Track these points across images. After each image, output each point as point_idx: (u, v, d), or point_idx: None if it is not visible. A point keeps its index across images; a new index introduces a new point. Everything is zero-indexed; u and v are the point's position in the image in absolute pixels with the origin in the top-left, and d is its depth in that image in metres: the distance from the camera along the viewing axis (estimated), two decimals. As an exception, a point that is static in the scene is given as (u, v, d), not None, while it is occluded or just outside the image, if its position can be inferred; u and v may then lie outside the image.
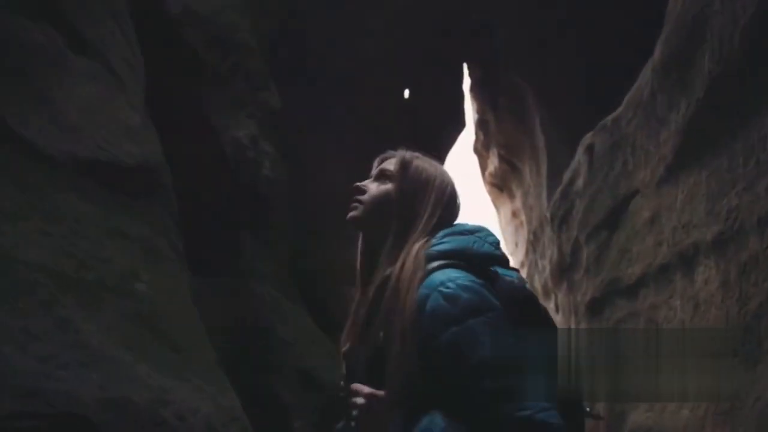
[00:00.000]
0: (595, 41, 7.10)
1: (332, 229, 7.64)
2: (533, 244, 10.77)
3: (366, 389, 1.11)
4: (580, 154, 5.25)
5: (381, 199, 1.27)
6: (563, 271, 6.68)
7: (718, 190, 2.62)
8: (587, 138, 5.08)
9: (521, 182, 12.02)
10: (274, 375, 4.04)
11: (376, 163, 1.37)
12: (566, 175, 5.84)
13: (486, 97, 11.03)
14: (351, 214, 1.28)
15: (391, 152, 1.37)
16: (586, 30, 7.17)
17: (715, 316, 2.57)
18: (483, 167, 14.46)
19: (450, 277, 1.11)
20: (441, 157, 11.13)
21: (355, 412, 1.12)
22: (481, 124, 13.12)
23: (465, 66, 11.33)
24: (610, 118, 4.60)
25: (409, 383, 1.07)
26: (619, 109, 4.38)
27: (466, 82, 13.21)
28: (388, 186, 1.28)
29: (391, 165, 1.32)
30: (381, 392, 1.10)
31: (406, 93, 9.95)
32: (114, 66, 3.77)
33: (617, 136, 4.39)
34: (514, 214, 13.51)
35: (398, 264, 1.18)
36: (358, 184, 1.31)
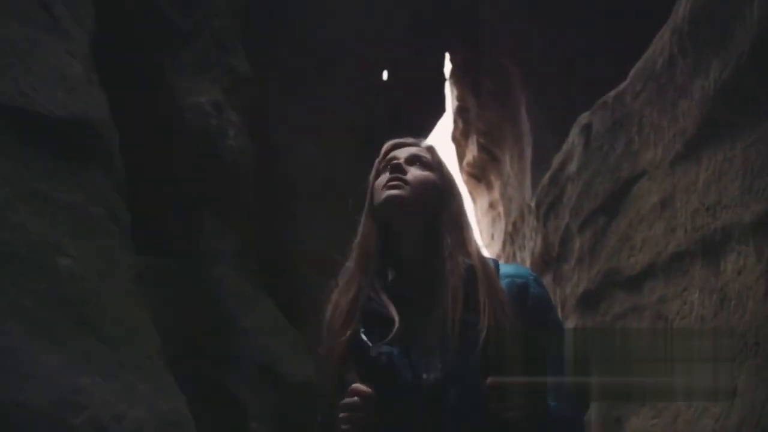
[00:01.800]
0: (587, 20, 6.72)
1: (303, 211, 7.15)
2: (512, 235, 10.43)
3: (366, 389, 1.12)
4: (574, 135, 4.86)
5: (427, 185, 1.28)
6: (547, 263, 6.30)
7: (760, 164, 2.22)
8: (583, 117, 4.68)
9: (500, 172, 11.67)
10: (230, 369, 3.56)
11: (388, 148, 1.38)
12: (556, 159, 5.45)
13: (467, 83, 10.61)
14: (395, 192, 1.26)
15: (405, 140, 1.40)
16: (577, 8, 6.78)
17: (752, 312, 2.17)
18: (461, 157, 14.08)
19: (526, 270, 1.31)
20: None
21: (345, 414, 1.12)
22: (460, 112, 12.72)
23: (447, 53, 10.91)
24: (611, 94, 4.20)
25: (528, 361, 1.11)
26: (624, 84, 3.98)
27: (447, 69, 12.79)
28: (430, 174, 1.31)
29: (425, 153, 1.35)
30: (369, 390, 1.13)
31: (385, 74, 9.47)
32: (55, 11, 3.23)
33: (620, 114, 3.99)
34: (492, 206, 13.18)
35: (477, 257, 1.26)
36: (398, 162, 1.29)
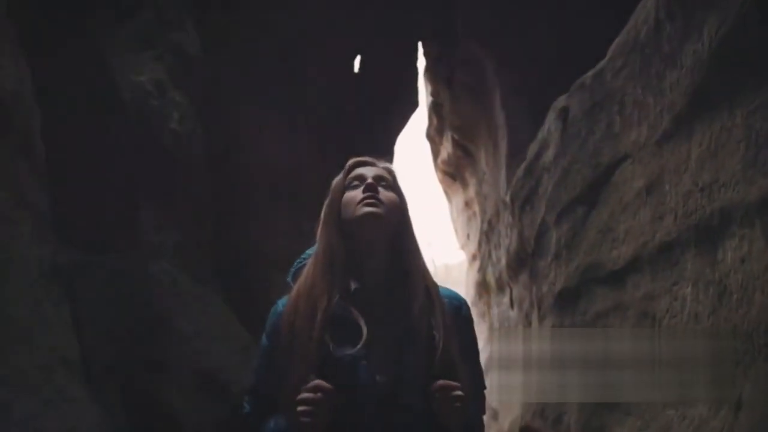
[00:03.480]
0: (561, 5, 6.41)
1: (265, 205, 6.72)
2: (487, 234, 10.12)
3: (328, 386, 1.21)
4: (550, 122, 4.52)
5: (395, 206, 1.40)
6: (523, 260, 5.97)
7: (767, 132, 1.88)
8: (560, 101, 4.35)
9: (475, 170, 11.36)
10: (163, 376, 3.13)
11: (352, 165, 1.45)
12: (532, 149, 5.12)
13: (441, 75, 10.27)
14: (375, 210, 1.34)
15: (369, 158, 1.47)
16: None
17: (761, 306, 1.83)
18: (435, 154, 13.75)
19: (459, 294, 1.46)
20: (392, 138, 10.32)
21: (304, 408, 1.19)
22: (434, 107, 12.39)
23: (420, 45, 10.56)
24: (589, 74, 3.87)
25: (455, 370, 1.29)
26: (603, 62, 3.65)
27: (421, 63, 12.46)
28: (394, 195, 1.41)
29: (387, 174, 1.44)
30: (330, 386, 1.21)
31: (356, 66, 9.07)
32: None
33: (600, 95, 3.66)
34: (467, 204, 12.86)
35: (429, 276, 1.40)
36: (371, 182, 1.38)
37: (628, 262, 3.06)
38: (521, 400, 5.82)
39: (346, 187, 1.41)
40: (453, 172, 13.12)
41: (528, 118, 6.71)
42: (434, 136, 13.40)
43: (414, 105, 10.25)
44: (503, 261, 7.79)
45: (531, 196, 5.14)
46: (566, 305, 3.97)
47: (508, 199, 6.35)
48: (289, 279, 1.45)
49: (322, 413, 1.19)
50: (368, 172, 1.42)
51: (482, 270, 10.68)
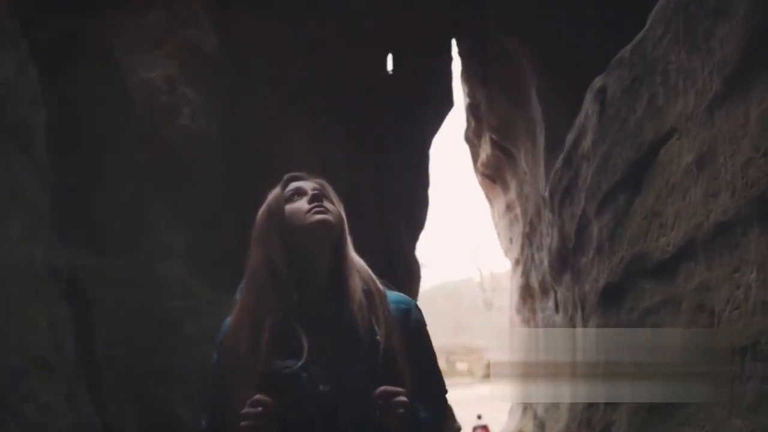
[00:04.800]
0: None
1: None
2: (529, 237, 9.70)
3: (268, 399, 1.22)
4: (587, 105, 4.16)
5: (338, 215, 1.41)
6: (565, 258, 5.58)
7: None
8: (597, 81, 3.99)
9: (516, 171, 10.95)
10: (171, 383, 2.92)
11: (288, 179, 1.47)
12: (569, 138, 4.75)
13: (476, 74, 9.96)
14: (326, 217, 1.37)
15: (302, 174, 1.49)
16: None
17: None
18: (474, 157, 13.40)
19: (409, 298, 1.47)
20: (427, 139, 10.03)
21: (246, 423, 1.20)
22: (471, 109, 12.07)
23: (454, 43, 10.28)
24: (627, 47, 3.51)
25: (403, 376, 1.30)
26: (642, 32, 3.29)
27: (457, 65, 12.17)
28: (334, 206, 1.43)
29: (323, 187, 1.45)
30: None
31: (389, 64, 8.83)
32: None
33: (640, 68, 3.30)
34: (509, 207, 12.44)
35: (371, 281, 1.41)
36: (317, 192, 1.42)
37: (678, 249, 2.68)
38: (568, 408, 5.43)
39: (286, 200, 1.42)
40: (493, 175, 12.73)
41: (566, 112, 6.32)
42: (472, 138, 13.05)
43: (449, 105, 9.96)
44: (546, 263, 7.38)
45: (570, 188, 4.76)
46: (611, 303, 3.59)
47: (546, 194, 5.98)
48: (237, 296, 1.43)
49: (265, 427, 1.21)
50: (305, 185, 1.44)
51: (525, 274, 10.23)
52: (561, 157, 5.02)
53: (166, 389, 2.94)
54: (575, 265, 4.89)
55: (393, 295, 1.43)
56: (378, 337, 1.31)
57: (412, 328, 1.40)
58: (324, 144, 7.15)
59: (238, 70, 5.27)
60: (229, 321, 1.38)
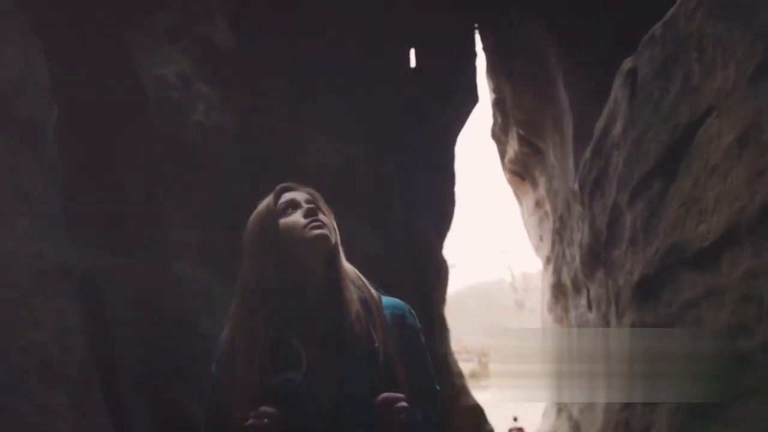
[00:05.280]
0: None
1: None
2: (560, 233, 9.45)
3: (273, 410, 1.24)
4: (616, 90, 3.96)
5: (332, 227, 1.41)
6: (597, 253, 5.36)
7: None
8: (626, 63, 3.78)
9: (544, 167, 10.70)
10: (185, 383, 2.83)
11: (280, 190, 1.45)
12: (598, 126, 4.54)
13: (501, 68, 9.75)
14: (324, 232, 1.37)
15: (293, 185, 1.48)
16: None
17: None
18: (502, 154, 13.17)
19: (403, 303, 1.48)
20: (452, 135, 9.85)
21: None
22: (497, 104, 11.85)
23: (478, 38, 10.09)
24: (658, 24, 3.30)
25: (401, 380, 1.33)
26: (673, 7, 3.09)
27: (481, 61, 11.96)
28: (327, 217, 1.43)
29: (314, 199, 1.45)
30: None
31: (412, 60, 8.67)
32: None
33: (673, 45, 3.09)
34: (538, 204, 12.17)
35: (365, 288, 1.43)
36: (311, 206, 1.41)
37: (720, 236, 2.48)
38: (604, 409, 5.20)
39: (280, 213, 1.40)
40: (521, 171, 12.48)
41: (594, 101, 6.09)
42: (499, 135, 12.82)
43: (474, 100, 9.77)
44: (577, 259, 7.14)
45: (600, 179, 4.55)
46: (647, 297, 3.38)
47: (576, 187, 5.75)
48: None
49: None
50: (298, 196, 1.43)
51: (557, 272, 9.97)
52: (590, 147, 4.81)
53: (183, 389, 2.84)
54: (608, 260, 4.67)
55: (387, 300, 1.44)
56: (376, 345, 1.32)
57: (407, 333, 1.42)
58: (346, 142, 7.04)
59: (255, 66, 5.19)
60: (225, 334, 1.40)
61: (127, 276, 3.20)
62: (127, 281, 3.18)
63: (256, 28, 5.39)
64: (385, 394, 1.25)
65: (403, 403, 1.25)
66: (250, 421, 1.21)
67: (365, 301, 1.39)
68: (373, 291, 1.44)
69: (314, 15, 6.40)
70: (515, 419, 11.94)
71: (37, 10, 3.43)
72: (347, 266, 1.44)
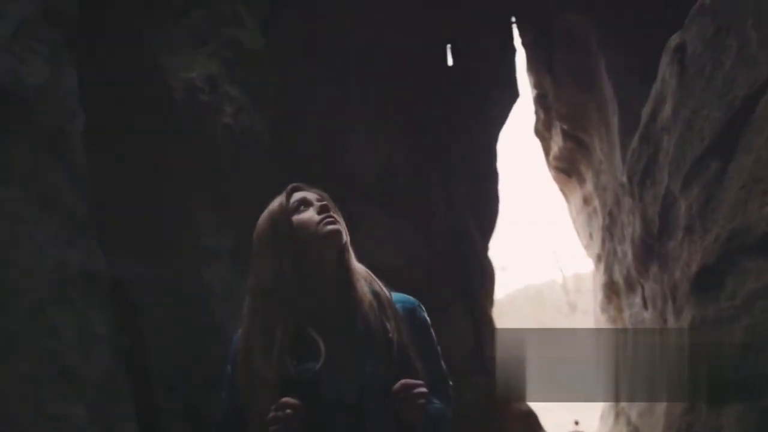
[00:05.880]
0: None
1: (359, 210, 6.27)
2: (609, 229, 9.07)
3: (295, 401, 1.26)
4: (663, 68, 3.70)
5: (343, 223, 1.47)
6: (650, 247, 5.05)
7: None
8: (673, 39, 3.53)
9: (591, 161, 10.33)
10: (212, 392, 2.74)
11: (291, 190, 1.49)
12: (645, 111, 4.28)
13: (541, 61, 9.48)
14: (337, 227, 1.42)
15: (302, 185, 1.51)
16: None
17: None
18: (546, 151, 12.81)
19: (412, 298, 1.52)
20: (493, 132, 9.61)
21: (275, 427, 1.24)
22: (539, 100, 11.54)
23: (516, 33, 9.84)
24: (709, -7, 3.06)
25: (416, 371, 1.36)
26: (726, -28, 2.84)
27: (520, 55, 11.68)
28: (337, 215, 1.48)
29: (323, 198, 1.49)
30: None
31: (449, 57, 8.47)
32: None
33: (724, 13, 2.85)
34: (586, 201, 11.77)
35: (375, 282, 1.47)
36: (323, 203, 1.46)
37: (789, 216, 2.23)
38: (665, 412, 4.90)
39: (293, 211, 1.44)
40: (567, 168, 12.10)
41: (639, 87, 5.78)
42: (543, 132, 12.48)
43: (514, 96, 9.51)
44: (629, 255, 6.80)
45: (650, 166, 4.27)
46: (707, 289, 3.11)
47: (625, 179, 5.46)
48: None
49: (294, 429, 1.24)
50: (309, 195, 1.47)
51: (608, 270, 9.57)
52: (637, 134, 4.54)
53: (212, 399, 2.75)
54: (662, 252, 4.39)
55: (397, 295, 1.49)
56: (390, 335, 1.36)
57: (418, 326, 1.46)
58: (384, 143, 6.92)
59: (288, 67, 5.13)
60: (239, 334, 1.43)
61: (159, 283, 3.14)
62: (159, 288, 3.13)
63: (290, 29, 5.34)
64: (403, 381, 1.29)
65: (422, 389, 1.28)
66: (273, 413, 1.22)
67: (376, 294, 1.42)
68: (382, 285, 1.47)
69: (349, 13, 6.32)
70: (576, 423, 11.54)
71: (68, 21, 3.42)
72: (357, 264, 1.48)
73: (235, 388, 1.38)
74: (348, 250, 1.45)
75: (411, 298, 1.51)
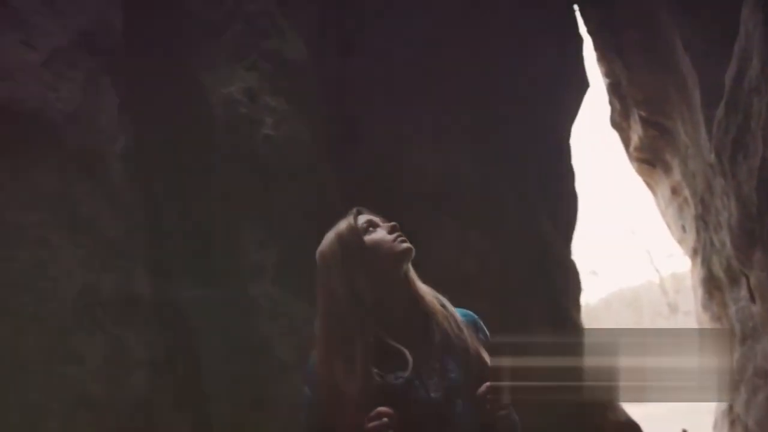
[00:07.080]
0: None
1: (425, 218, 6.03)
2: (703, 218, 8.33)
3: (390, 410, 1.31)
4: (745, 21, 3.25)
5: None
6: (751, 231, 4.48)
7: None
8: (755, -15, 3.08)
9: (676, 147, 9.59)
10: (265, 416, 2.57)
11: (356, 212, 1.59)
12: (728, 75, 3.81)
13: (610, 46, 8.94)
14: (410, 245, 1.53)
15: (363, 208, 1.61)
16: None
17: None
18: (626, 142, 12.06)
19: (471, 312, 1.62)
20: (565, 127, 9.10)
21: None
22: (613, 89, 10.89)
23: (580, 21, 9.34)
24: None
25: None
26: None
27: (587, 45, 11.13)
28: None
29: (379, 218, 1.61)
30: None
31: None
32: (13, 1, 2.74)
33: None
34: (675, 191, 10.94)
35: (437, 297, 1.56)
36: (395, 223, 1.57)
37: None
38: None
39: (363, 231, 1.53)
40: (650, 158, 11.33)
41: (719, 56, 5.23)
42: (620, 122, 11.77)
43: (584, 86, 8.97)
44: (728, 243, 6.14)
45: (741, 136, 3.78)
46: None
47: (713, 156, 4.91)
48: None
49: None
50: (374, 218, 1.58)
51: (706, 263, 8.77)
52: (723, 102, 4.04)
53: (257, 421, 2.59)
54: (764, 234, 3.85)
55: (457, 309, 1.58)
56: (467, 342, 1.46)
57: (481, 338, 1.54)
58: (447, 150, 6.65)
59: (346, 78, 5.01)
60: (315, 353, 1.47)
61: (207, 304, 3.03)
62: (207, 309, 3.02)
63: (343, 39, 5.24)
64: (488, 383, 1.35)
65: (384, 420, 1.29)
66: (370, 424, 1.27)
67: (444, 306, 1.53)
68: (442, 299, 1.56)
69: (403, 16, 6.15)
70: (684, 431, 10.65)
71: (106, 49, 3.42)
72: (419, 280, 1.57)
73: (316, 406, 1.41)
74: (410, 268, 1.54)
75: (469, 312, 1.60)
